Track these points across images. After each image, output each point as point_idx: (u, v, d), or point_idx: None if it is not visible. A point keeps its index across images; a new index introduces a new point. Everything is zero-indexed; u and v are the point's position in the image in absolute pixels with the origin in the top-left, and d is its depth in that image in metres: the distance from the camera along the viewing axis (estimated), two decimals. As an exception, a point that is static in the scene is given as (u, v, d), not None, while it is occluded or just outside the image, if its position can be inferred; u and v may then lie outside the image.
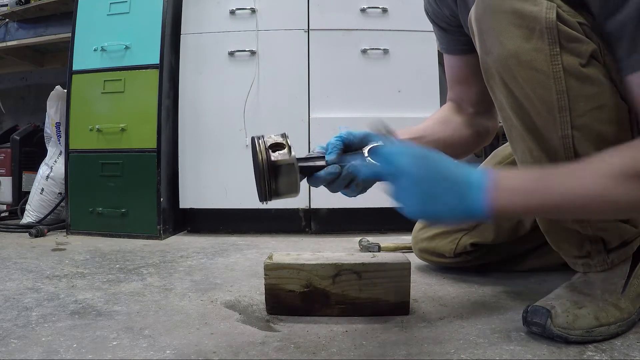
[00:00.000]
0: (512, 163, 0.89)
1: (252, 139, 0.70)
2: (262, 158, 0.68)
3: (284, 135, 0.71)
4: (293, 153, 0.69)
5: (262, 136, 0.70)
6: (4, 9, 2.23)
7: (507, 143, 0.82)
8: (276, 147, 0.69)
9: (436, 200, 0.61)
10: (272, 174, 0.68)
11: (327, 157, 0.72)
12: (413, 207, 0.62)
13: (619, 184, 0.57)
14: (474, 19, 0.71)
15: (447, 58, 1.01)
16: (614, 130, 0.64)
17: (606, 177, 0.58)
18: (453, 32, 0.95)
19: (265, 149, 0.68)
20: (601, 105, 0.64)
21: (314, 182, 0.73)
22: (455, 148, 0.94)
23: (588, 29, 0.64)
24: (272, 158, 0.67)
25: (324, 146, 0.76)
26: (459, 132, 0.94)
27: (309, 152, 0.77)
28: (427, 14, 1.01)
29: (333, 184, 0.72)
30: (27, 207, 1.94)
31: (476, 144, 0.98)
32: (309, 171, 0.72)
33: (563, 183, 0.60)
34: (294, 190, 0.70)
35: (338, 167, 0.71)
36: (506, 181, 0.61)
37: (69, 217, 1.78)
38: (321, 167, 0.71)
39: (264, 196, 0.69)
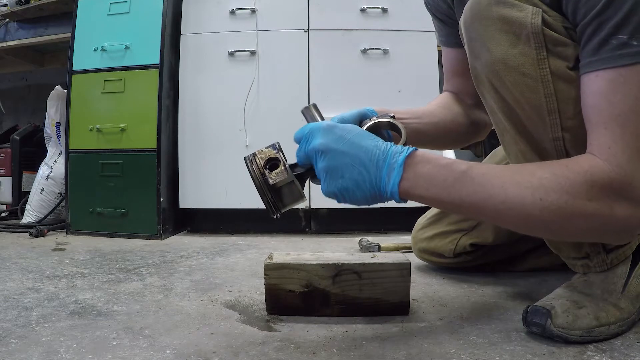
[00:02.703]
0: None
1: (245, 160, 0.70)
2: (260, 182, 0.68)
3: (275, 147, 0.70)
4: (289, 168, 0.68)
5: (254, 155, 0.70)
6: (4, 9, 2.24)
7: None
8: (271, 163, 0.69)
9: (347, 177, 0.63)
10: (274, 195, 0.68)
11: None
12: (327, 180, 0.64)
13: (539, 198, 0.58)
14: (462, 26, 0.72)
15: (445, 51, 1.01)
16: None
17: (528, 189, 0.59)
18: (452, 25, 0.95)
19: (261, 172, 0.68)
20: None
21: (316, 183, 0.73)
22: (452, 134, 0.94)
23: (574, 32, 0.64)
24: (271, 181, 0.67)
25: None
26: (458, 120, 0.93)
27: None
28: (427, 6, 1.01)
29: None
30: (27, 207, 1.94)
31: (472, 135, 0.98)
32: (310, 175, 0.71)
33: (483, 185, 0.61)
34: (299, 199, 0.70)
35: None
36: (424, 168, 0.62)
37: (69, 217, 1.78)
38: None
39: (272, 212, 0.69)
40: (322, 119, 0.72)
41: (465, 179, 0.61)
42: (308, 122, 0.71)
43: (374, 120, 0.74)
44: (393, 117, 0.74)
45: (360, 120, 0.76)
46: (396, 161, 0.62)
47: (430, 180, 0.62)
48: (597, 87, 0.60)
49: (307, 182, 0.72)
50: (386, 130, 0.77)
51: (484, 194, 0.61)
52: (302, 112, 0.73)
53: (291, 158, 0.71)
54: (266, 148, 0.70)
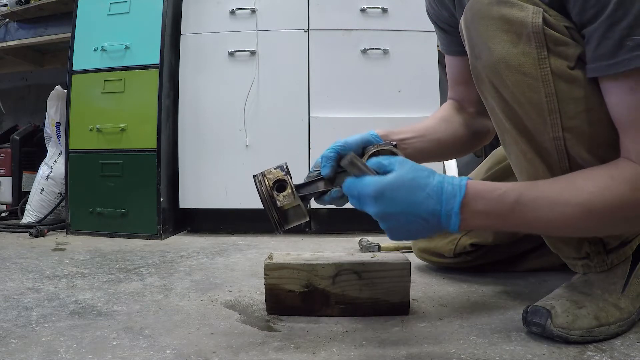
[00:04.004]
0: None
1: (254, 180, 0.73)
2: (268, 204, 0.72)
3: (283, 168, 0.73)
4: (295, 192, 0.71)
5: (264, 175, 0.73)
6: (4, 9, 2.24)
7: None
8: (279, 185, 0.72)
9: (411, 230, 0.65)
10: (280, 215, 0.72)
11: (322, 172, 0.74)
12: (391, 234, 0.67)
13: (589, 213, 0.61)
14: (463, 26, 0.72)
15: (448, 59, 1.01)
16: (605, 131, 0.64)
17: (578, 207, 0.62)
18: (453, 33, 0.95)
19: (269, 194, 0.71)
20: (591, 107, 0.64)
21: (320, 203, 0.76)
22: (454, 147, 0.95)
23: (575, 32, 0.64)
24: (278, 204, 0.71)
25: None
26: (460, 132, 0.94)
27: (309, 168, 0.80)
28: (429, 14, 1.01)
29: (338, 201, 0.75)
30: (27, 207, 1.94)
31: (476, 143, 0.99)
32: (313, 197, 0.75)
33: (535, 211, 0.63)
34: (303, 218, 0.73)
35: (339, 192, 0.73)
36: (478, 206, 0.63)
37: (69, 217, 1.78)
38: (323, 192, 0.74)
39: (276, 229, 0.73)
40: (368, 169, 0.68)
41: (517, 209, 0.63)
42: (354, 174, 0.68)
43: (377, 148, 0.75)
44: (395, 145, 0.76)
45: (363, 146, 0.77)
46: (452, 209, 0.63)
47: (486, 216, 0.64)
48: (621, 91, 0.61)
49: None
50: None
51: (537, 218, 0.64)
52: (344, 166, 0.71)
53: (294, 171, 0.74)
54: (275, 169, 0.74)
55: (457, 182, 0.64)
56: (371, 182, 0.64)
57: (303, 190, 0.74)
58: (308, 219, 0.74)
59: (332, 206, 0.77)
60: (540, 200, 0.63)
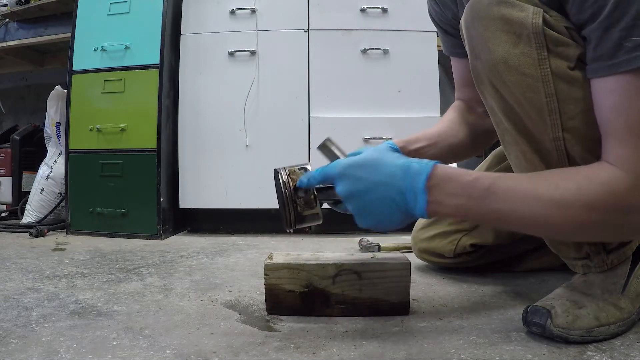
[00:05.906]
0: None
1: (276, 178, 0.73)
2: (288, 209, 0.72)
3: (306, 169, 0.73)
4: (318, 201, 0.72)
5: (288, 175, 0.73)
6: (4, 9, 2.24)
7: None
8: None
9: (379, 211, 0.65)
10: (298, 218, 0.72)
11: None
12: (359, 218, 0.67)
13: (562, 211, 0.60)
14: (463, 26, 0.72)
15: (453, 60, 1.02)
16: None
17: (551, 203, 0.61)
18: (456, 35, 0.95)
19: (292, 198, 0.71)
20: (591, 107, 0.64)
21: (335, 209, 0.78)
22: (467, 149, 0.96)
23: (575, 32, 0.65)
24: (299, 209, 0.71)
25: None
26: (470, 133, 0.95)
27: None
28: (431, 17, 1.01)
29: None
30: (27, 207, 1.94)
31: (486, 142, 1.00)
32: (328, 202, 0.76)
33: (507, 201, 0.63)
34: (317, 221, 0.74)
35: None
36: (447, 188, 0.63)
37: (69, 217, 1.78)
38: (339, 200, 0.74)
39: (288, 227, 0.73)
40: (342, 152, 0.73)
41: (488, 196, 0.63)
42: (330, 160, 0.72)
43: None
44: None
45: None
46: (418, 186, 0.63)
47: (455, 199, 0.63)
48: (617, 92, 0.61)
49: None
50: None
51: (509, 210, 0.63)
52: (319, 149, 0.75)
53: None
54: (299, 169, 0.74)
55: (425, 162, 0.64)
56: (339, 163, 0.66)
57: (320, 195, 0.74)
58: (321, 222, 0.75)
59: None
60: (513, 191, 0.62)
